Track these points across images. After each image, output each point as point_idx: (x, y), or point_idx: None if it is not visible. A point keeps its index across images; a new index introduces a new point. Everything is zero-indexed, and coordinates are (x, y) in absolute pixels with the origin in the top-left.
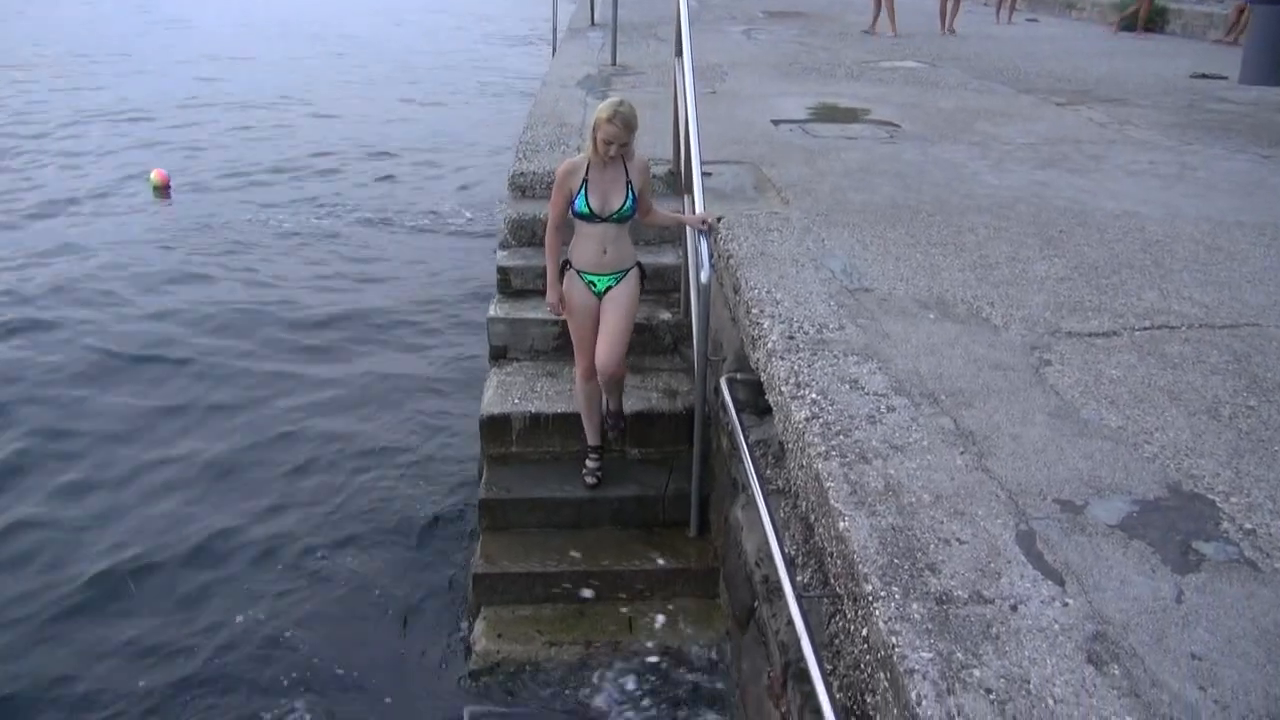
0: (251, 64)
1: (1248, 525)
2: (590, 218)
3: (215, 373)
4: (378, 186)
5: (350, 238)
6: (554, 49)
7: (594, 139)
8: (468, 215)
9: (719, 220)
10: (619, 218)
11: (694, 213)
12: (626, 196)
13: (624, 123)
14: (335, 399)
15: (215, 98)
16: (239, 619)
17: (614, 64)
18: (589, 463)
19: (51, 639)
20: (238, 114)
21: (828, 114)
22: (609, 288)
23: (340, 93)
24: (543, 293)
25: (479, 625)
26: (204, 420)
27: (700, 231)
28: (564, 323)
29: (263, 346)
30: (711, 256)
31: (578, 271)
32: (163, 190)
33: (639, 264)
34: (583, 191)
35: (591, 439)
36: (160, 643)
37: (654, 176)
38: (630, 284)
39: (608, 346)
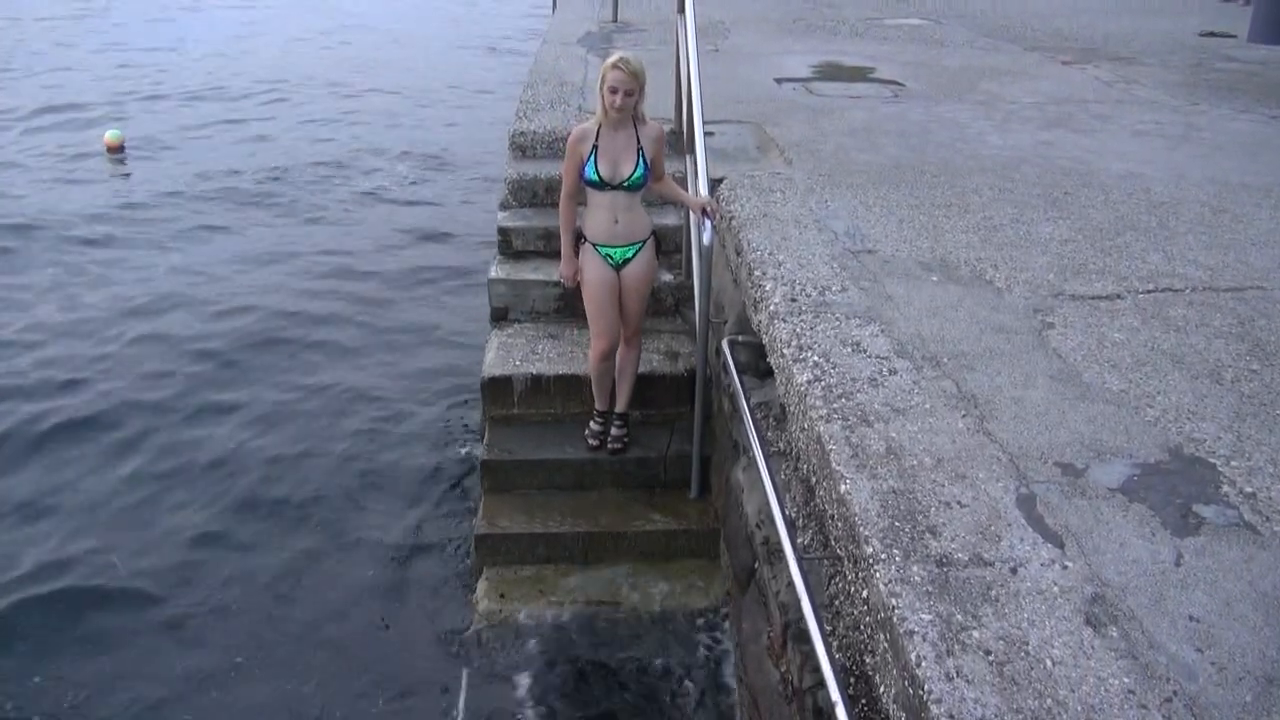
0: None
1: (1248, 489)
2: (600, 185)
3: (209, 339)
4: (365, 141)
5: (334, 199)
6: (554, 5)
7: (601, 95)
8: (465, 175)
9: (718, 201)
10: (629, 185)
11: (697, 179)
12: (637, 164)
13: (630, 68)
14: (331, 361)
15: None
16: (240, 579)
17: (615, 20)
18: (593, 425)
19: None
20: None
21: (831, 73)
22: (626, 260)
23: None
24: (544, 253)
25: (481, 586)
26: (198, 390)
27: (700, 217)
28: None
29: (258, 310)
30: (715, 220)
31: (593, 245)
32: (116, 151)
33: (654, 234)
34: (592, 158)
35: (601, 405)
36: (159, 596)
37: None
38: (646, 260)
39: (632, 332)
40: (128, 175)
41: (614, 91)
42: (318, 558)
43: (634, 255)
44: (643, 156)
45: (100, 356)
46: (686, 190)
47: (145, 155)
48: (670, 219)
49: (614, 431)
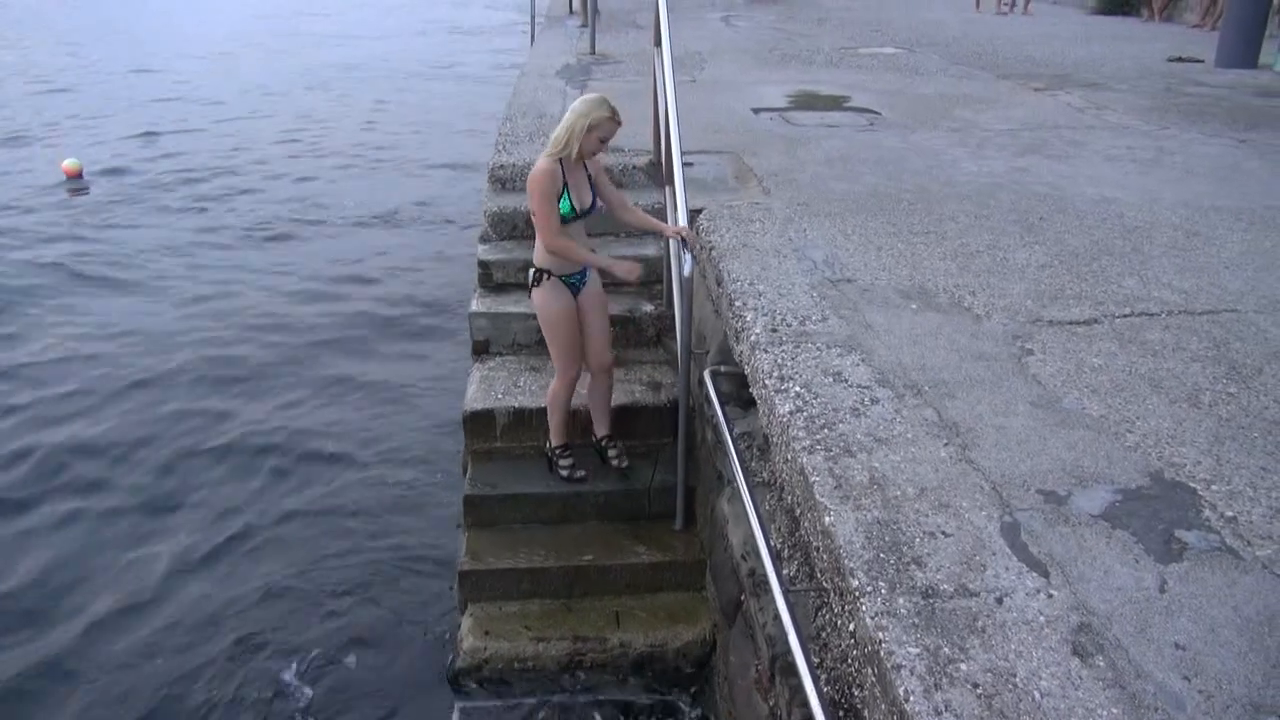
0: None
1: (1229, 513)
2: (574, 217)
3: (194, 369)
4: (335, 174)
5: (306, 229)
6: (532, 38)
7: (583, 137)
8: (444, 206)
9: (696, 230)
10: (591, 213)
11: (676, 210)
12: (591, 191)
13: (620, 121)
14: (311, 393)
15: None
16: (224, 618)
17: (593, 53)
18: (563, 462)
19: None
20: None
21: (807, 102)
22: (583, 282)
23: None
24: (524, 286)
25: (466, 623)
26: (183, 424)
27: (679, 247)
28: None
29: (238, 343)
30: (693, 248)
31: (559, 277)
32: (75, 178)
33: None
34: (566, 193)
35: (561, 439)
36: (148, 635)
37: (635, 168)
38: (598, 277)
39: (603, 346)
40: (88, 201)
41: (603, 141)
42: (297, 596)
43: (588, 275)
44: (592, 184)
45: (66, 393)
46: (665, 220)
47: (106, 181)
48: (650, 249)
49: (613, 453)
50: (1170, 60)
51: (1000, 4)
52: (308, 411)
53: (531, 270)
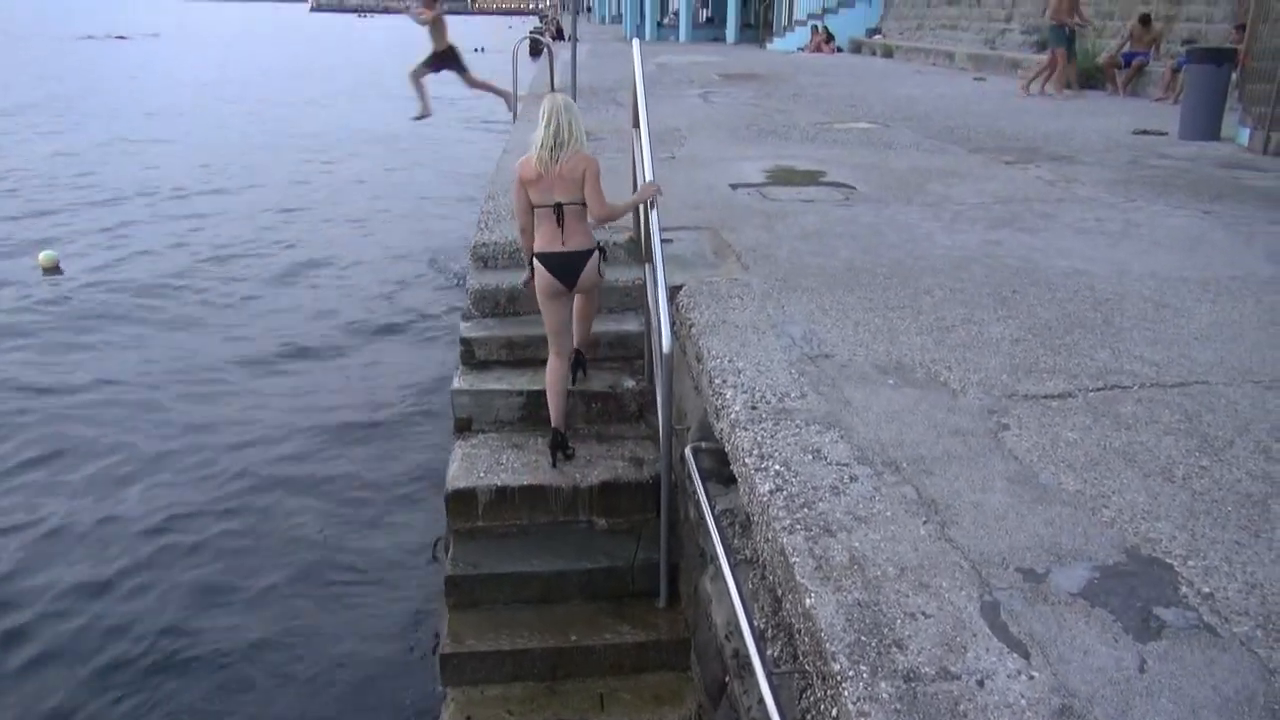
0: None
1: (1205, 589)
2: None
3: (172, 435)
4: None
5: (290, 311)
6: (514, 115)
7: None
8: (428, 276)
9: (676, 307)
10: None
11: (654, 286)
12: None
13: None
14: (293, 466)
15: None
16: (204, 689)
17: None
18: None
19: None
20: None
21: (784, 177)
22: None
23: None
24: (506, 363)
25: (447, 707)
26: (170, 513)
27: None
28: (529, 394)
29: (219, 403)
30: (673, 325)
31: None
32: (52, 272)
33: None
34: None
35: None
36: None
37: (615, 244)
38: None
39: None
40: (66, 294)
41: None
42: (276, 678)
43: None
44: None
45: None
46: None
47: (82, 272)
48: (631, 325)
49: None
50: (1135, 133)
51: (1027, 88)
52: (283, 485)
53: (597, 249)
